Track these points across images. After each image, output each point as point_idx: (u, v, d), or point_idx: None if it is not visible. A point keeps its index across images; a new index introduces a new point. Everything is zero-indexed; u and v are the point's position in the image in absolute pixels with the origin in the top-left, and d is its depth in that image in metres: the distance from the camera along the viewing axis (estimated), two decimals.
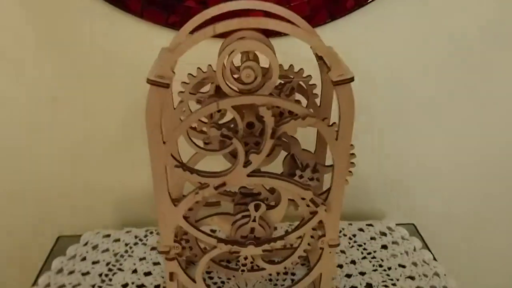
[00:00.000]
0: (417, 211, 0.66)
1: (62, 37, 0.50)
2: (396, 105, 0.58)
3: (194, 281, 0.42)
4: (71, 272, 0.50)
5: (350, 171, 0.43)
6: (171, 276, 0.41)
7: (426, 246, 0.55)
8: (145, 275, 0.50)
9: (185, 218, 0.38)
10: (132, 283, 0.48)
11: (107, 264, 0.51)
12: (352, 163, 0.42)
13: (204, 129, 0.39)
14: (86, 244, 0.55)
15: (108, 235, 0.56)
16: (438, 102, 0.59)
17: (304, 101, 0.41)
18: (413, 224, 0.59)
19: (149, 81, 0.30)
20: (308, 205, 0.38)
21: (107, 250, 0.53)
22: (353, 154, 0.42)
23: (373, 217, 0.64)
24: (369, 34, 0.53)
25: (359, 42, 0.53)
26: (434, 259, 0.52)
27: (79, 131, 0.57)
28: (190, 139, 0.34)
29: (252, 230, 0.41)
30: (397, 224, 0.58)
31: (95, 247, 0.54)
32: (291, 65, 0.40)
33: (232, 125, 0.38)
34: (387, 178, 0.64)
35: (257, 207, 0.40)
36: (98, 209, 0.63)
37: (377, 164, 0.63)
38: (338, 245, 0.41)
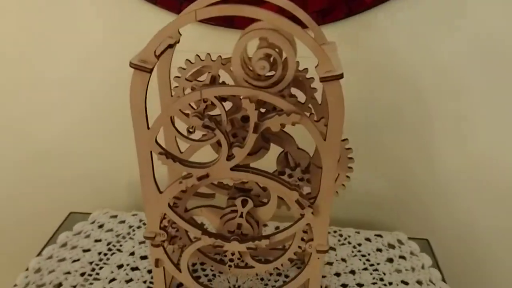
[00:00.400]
0: (435, 227, 0.62)
1: (75, 23, 0.52)
2: (412, 112, 0.55)
3: (179, 270, 0.41)
4: (73, 247, 0.52)
5: (347, 176, 0.41)
6: (157, 262, 0.41)
7: (436, 264, 0.51)
8: (141, 259, 0.50)
9: (173, 206, 0.38)
10: (127, 265, 0.49)
11: (108, 243, 0.52)
12: (350, 167, 0.40)
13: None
14: (93, 222, 0.56)
15: (115, 216, 0.58)
16: (460, 115, 0.54)
17: (302, 96, 0.39)
18: (427, 240, 0.55)
19: (132, 65, 0.30)
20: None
21: (111, 230, 0.55)
22: (351, 158, 0.40)
23: (386, 228, 0.61)
24: (389, 33, 0.49)
25: (378, 40, 0.50)
26: (443, 279, 0.48)
27: (96, 112, 0.59)
28: (175, 127, 0.33)
29: (239, 226, 0.40)
30: (409, 238, 0.55)
31: (100, 226, 0.56)
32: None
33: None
34: (407, 189, 0.61)
35: (244, 203, 0.39)
36: (115, 190, 0.65)
37: (398, 173, 0.60)
38: (327, 251, 0.39)
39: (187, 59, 0.38)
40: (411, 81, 0.53)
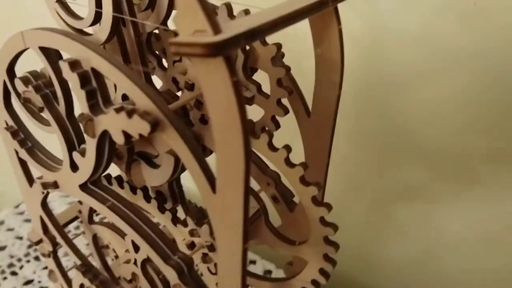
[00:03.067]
0: None
1: None
2: None
3: None
4: None
5: (322, 272, 0.20)
6: (50, 274, 0.30)
7: None
8: None
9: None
10: None
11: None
12: (329, 259, 0.20)
13: None
14: None
15: None
16: None
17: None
18: None
19: None
20: None
21: None
22: (333, 244, 0.19)
23: None
24: None
25: None
26: None
27: None
28: (8, 101, 0.20)
29: (134, 276, 0.25)
30: None
31: None
32: None
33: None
34: None
35: (136, 247, 0.23)
36: None
37: None
38: None
39: None
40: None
